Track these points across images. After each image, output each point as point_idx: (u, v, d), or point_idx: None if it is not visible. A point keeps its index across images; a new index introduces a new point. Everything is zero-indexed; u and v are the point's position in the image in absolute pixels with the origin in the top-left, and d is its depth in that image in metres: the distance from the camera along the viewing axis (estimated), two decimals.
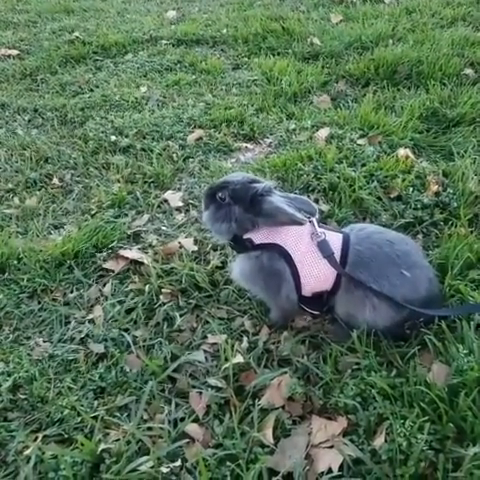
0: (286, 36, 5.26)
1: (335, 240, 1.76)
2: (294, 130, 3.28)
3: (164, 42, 5.49)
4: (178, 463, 1.43)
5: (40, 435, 1.53)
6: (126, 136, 3.31)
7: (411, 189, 2.46)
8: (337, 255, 1.73)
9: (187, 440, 1.50)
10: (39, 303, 2.06)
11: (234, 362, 1.69)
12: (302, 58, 4.63)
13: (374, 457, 1.40)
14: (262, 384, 1.65)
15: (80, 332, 1.90)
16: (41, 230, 2.50)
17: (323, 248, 1.73)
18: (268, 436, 1.48)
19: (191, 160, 3.03)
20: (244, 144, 3.19)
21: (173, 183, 2.86)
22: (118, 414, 1.60)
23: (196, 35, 5.53)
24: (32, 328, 1.96)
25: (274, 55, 4.78)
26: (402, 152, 2.78)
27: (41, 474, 1.43)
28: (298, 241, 1.75)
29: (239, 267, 1.85)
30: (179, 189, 2.79)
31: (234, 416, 1.53)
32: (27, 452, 1.46)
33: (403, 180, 2.50)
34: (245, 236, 1.77)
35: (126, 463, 1.41)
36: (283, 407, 1.59)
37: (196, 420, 1.58)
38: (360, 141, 2.99)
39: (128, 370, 1.73)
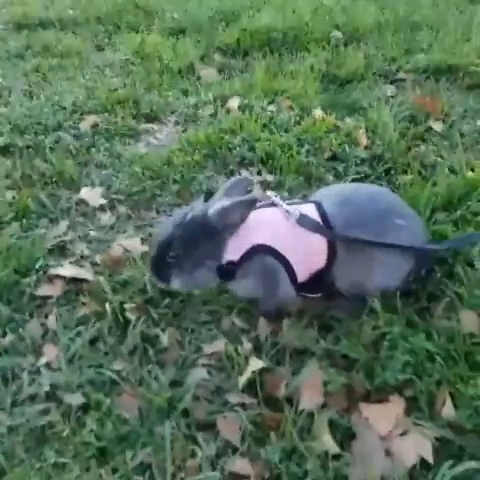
0: (142, 13, 4.80)
1: (308, 211, 1.51)
2: (196, 105, 2.92)
3: (0, 27, 4.63)
4: None
5: None
6: (0, 134, 2.61)
7: (345, 147, 2.31)
8: None
9: None
10: None
11: (258, 368, 1.35)
12: (168, 34, 4.23)
13: (455, 430, 1.21)
14: (293, 387, 1.35)
15: (40, 385, 1.36)
16: None
17: (306, 223, 1.47)
18: (331, 444, 1.20)
19: (94, 150, 2.50)
20: (149, 125, 2.74)
21: (82, 179, 2.31)
22: (138, 477, 1.17)
23: (38, 18, 4.77)
24: None
25: (137, 32, 4.30)
26: (318, 113, 2.62)
27: None
28: (274, 229, 1.49)
29: (240, 289, 1.57)
30: (92, 185, 2.27)
31: (290, 430, 1.21)
32: None
33: (335, 139, 2.34)
34: (223, 262, 1.47)
35: None
36: (325, 405, 1.31)
37: (236, 451, 1.22)
38: (270, 108, 2.76)
39: (127, 416, 1.28)
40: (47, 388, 1.35)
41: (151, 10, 4.81)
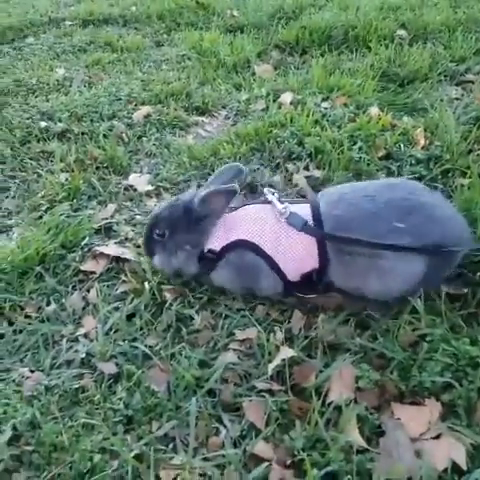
0: (202, 10, 4.98)
1: (303, 210, 1.54)
2: (248, 100, 2.99)
3: (68, 23, 4.97)
4: None
5: None
6: (59, 120, 2.81)
7: (401, 146, 2.30)
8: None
9: (265, 463, 1.17)
10: (10, 324, 1.58)
11: (289, 356, 1.39)
12: (226, 31, 4.36)
13: None
14: (322, 379, 1.37)
15: (77, 352, 1.47)
16: None
17: (293, 222, 1.51)
18: (357, 438, 1.21)
19: (145, 139, 2.63)
20: (200, 118, 2.85)
21: (132, 166, 2.44)
22: (161, 447, 1.23)
23: (103, 14, 5.07)
24: (9, 357, 1.48)
25: (196, 29, 4.46)
26: (374, 111, 2.61)
27: None
28: (261, 227, 1.54)
29: (217, 278, 1.64)
30: (141, 172, 2.39)
31: (316, 420, 1.22)
32: None
33: (391, 137, 2.33)
34: (205, 250, 1.58)
35: None
36: (355, 400, 1.32)
37: (260, 435, 1.26)
38: (324, 104, 2.79)
39: (156, 389, 1.35)
40: (83, 355, 1.46)
41: (211, 8, 4.97)
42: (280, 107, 2.75)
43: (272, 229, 1.52)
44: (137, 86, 3.22)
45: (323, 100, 2.84)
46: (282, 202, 1.56)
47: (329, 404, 1.29)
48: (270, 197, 1.57)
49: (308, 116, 2.55)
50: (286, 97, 2.83)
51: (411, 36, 3.70)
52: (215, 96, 3.06)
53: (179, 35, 4.45)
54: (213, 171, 2.27)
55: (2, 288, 1.66)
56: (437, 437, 1.19)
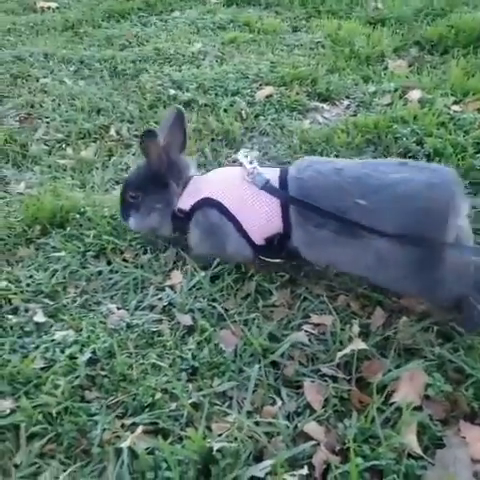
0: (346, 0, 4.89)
1: (272, 173, 1.53)
2: (374, 93, 2.92)
3: (213, 1, 5.18)
4: (305, 471, 1.13)
5: (127, 422, 1.24)
6: (187, 90, 2.98)
7: None
8: None
9: (313, 442, 1.19)
10: (109, 263, 1.75)
11: (360, 348, 1.37)
12: (367, 22, 4.24)
13: None
14: (390, 378, 1.33)
15: (160, 300, 1.60)
16: (100, 184, 2.19)
17: (256, 181, 1.51)
18: (413, 443, 1.17)
19: (262, 118, 2.69)
20: (320, 104, 2.85)
21: (244, 142, 2.52)
22: (218, 402, 1.30)
23: None
24: (102, 292, 1.65)
25: (335, 19, 4.40)
26: None
27: (135, 473, 1.13)
28: (227, 186, 1.57)
29: (190, 241, 1.69)
30: (252, 148, 2.46)
31: (374, 415, 1.21)
32: (121, 444, 1.15)
33: None
34: (175, 209, 1.62)
35: (243, 466, 1.11)
36: (420, 408, 1.27)
37: (315, 416, 1.27)
38: (455, 107, 2.62)
39: (224, 348, 1.42)
40: (165, 304, 1.58)
41: None
42: (406, 104, 2.65)
43: (238, 189, 1.54)
44: (265, 67, 3.28)
45: (455, 103, 2.68)
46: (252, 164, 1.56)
47: (391, 404, 1.26)
48: (241, 158, 1.58)
49: (434, 116, 2.43)
50: (414, 94, 2.72)
51: None
52: (341, 85, 3.02)
53: (317, 22, 4.43)
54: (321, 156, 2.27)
55: (108, 231, 1.84)
56: None
